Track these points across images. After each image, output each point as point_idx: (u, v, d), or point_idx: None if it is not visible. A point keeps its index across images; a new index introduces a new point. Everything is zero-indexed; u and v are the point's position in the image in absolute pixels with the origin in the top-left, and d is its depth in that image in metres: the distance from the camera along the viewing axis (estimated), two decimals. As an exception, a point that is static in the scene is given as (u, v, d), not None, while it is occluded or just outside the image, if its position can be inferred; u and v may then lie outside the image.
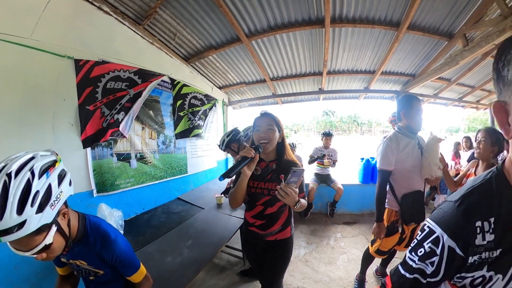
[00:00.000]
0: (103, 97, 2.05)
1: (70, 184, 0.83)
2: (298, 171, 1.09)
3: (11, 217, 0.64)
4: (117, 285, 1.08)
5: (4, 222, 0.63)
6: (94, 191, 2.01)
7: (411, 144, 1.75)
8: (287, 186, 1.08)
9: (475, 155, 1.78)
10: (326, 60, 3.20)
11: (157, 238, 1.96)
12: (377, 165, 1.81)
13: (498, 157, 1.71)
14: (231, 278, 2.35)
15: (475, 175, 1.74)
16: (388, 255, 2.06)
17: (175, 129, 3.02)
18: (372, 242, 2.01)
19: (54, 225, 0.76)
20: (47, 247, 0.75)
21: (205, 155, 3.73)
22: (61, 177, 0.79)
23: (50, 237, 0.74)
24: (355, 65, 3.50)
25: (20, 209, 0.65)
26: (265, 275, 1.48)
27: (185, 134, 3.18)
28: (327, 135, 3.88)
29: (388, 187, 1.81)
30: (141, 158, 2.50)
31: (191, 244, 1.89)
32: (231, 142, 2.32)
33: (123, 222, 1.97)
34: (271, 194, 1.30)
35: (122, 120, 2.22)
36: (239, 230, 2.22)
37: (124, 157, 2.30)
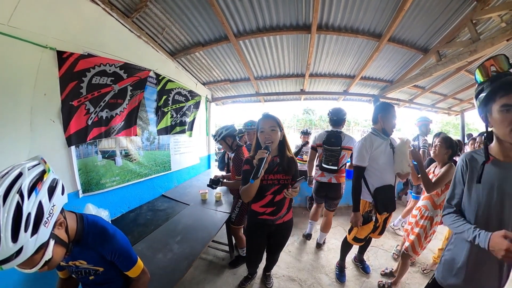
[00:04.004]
0: (88, 93, 1.96)
1: (62, 192, 0.80)
2: (301, 180, 1.47)
3: (7, 247, 0.61)
4: (116, 285, 1.09)
5: (2, 252, 0.61)
6: (80, 192, 1.93)
7: (384, 144, 2.00)
8: (293, 190, 1.46)
9: (432, 155, 2.13)
10: (309, 64, 3.37)
11: (145, 236, 1.97)
12: (353, 162, 2.05)
13: (454, 158, 2.05)
14: (220, 271, 2.44)
15: (434, 173, 2.06)
16: (364, 243, 2.30)
17: (157, 125, 2.97)
18: (350, 231, 2.23)
19: (51, 239, 0.74)
20: (48, 261, 0.74)
21: (188, 152, 3.71)
22: (51, 190, 0.74)
23: (49, 253, 0.74)
24: (336, 69, 3.73)
25: (15, 237, 0.62)
26: (273, 252, 1.95)
27: (166, 130, 3.14)
28: (305, 134, 4.17)
29: (362, 181, 2.04)
30: (126, 156, 2.45)
31: (180, 239, 1.94)
32: (228, 136, 2.41)
33: (110, 222, 1.96)
34: (280, 183, 1.58)
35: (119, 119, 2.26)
36: (225, 225, 2.34)
37: (109, 155, 2.23)
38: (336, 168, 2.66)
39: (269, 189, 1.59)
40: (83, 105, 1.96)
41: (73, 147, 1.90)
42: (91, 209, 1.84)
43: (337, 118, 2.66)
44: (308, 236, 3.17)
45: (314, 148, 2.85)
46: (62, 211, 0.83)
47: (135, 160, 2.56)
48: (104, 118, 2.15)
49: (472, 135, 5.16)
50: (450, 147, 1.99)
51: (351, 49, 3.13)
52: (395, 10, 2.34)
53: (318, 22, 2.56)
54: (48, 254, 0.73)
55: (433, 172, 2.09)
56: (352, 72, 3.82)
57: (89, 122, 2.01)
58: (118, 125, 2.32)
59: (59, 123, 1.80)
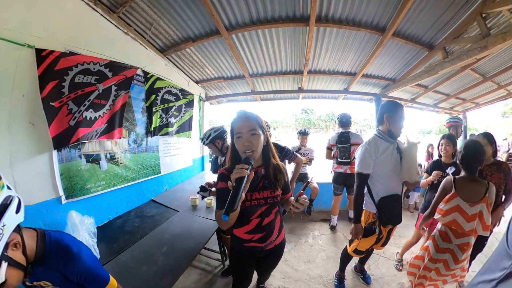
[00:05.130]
0: (70, 92, 1.96)
1: (17, 210, 0.79)
2: (309, 184, 1.22)
3: None
4: None
5: None
6: (63, 198, 1.94)
7: (390, 148, 1.88)
8: (304, 199, 1.13)
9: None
10: (308, 59, 3.35)
11: (131, 245, 1.97)
12: (356, 169, 1.94)
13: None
14: (212, 280, 2.46)
15: None
16: (365, 254, 2.25)
17: (150, 126, 2.98)
18: (350, 242, 2.16)
19: (3, 262, 0.73)
20: (2, 284, 0.73)
21: (179, 154, 3.71)
22: (3, 208, 0.73)
23: (2, 276, 0.72)
24: (336, 66, 3.71)
25: None
26: (263, 275, 1.79)
27: (156, 131, 3.14)
28: (303, 134, 4.01)
29: (365, 189, 1.94)
30: (112, 159, 2.45)
31: (166, 250, 1.90)
32: (217, 138, 2.39)
33: (95, 229, 1.94)
34: (268, 202, 1.30)
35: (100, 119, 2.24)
36: (215, 233, 2.31)
37: (93, 159, 2.23)
38: (348, 160, 3.44)
39: (254, 212, 1.30)
40: (65, 105, 1.95)
41: (54, 152, 1.90)
42: (74, 217, 1.85)
43: (345, 120, 3.54)
44: (332, 228, 3.69)
45: (329, 148, 3.73)
46: (19, 230, 0.83)
47: (121, 163, 2.57)
48: (88, 118, 2.15)
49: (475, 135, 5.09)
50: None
51: (352, 44, 3.08)
52: (400, 1, 2.25)
53: (317, 13, 2.49)
54: (1, 278, 0.72)
55: None
56: (353, 69, 3.80)
57: (72, 123, 2.01)
58: (102, 127, 2.31)
59: (39, 126, 1.80)
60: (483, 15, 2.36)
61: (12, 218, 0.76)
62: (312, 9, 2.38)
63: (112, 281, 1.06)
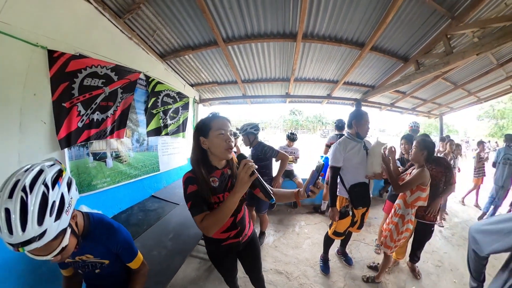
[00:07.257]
0: (79, 94, 1.93)
1: (76, 189, 0.91)
2: (318, 168, 1.04)
3: (32, 229, 0.69)
4: (118, 279, 1.19)
5: (27, 234, 0.69)
6: (73, 193, 1.91)
7: (358, 146, 2.19)
8: (318, 186, 1.04)
9: (410, 158, 2.18)
10: (295, 69, 3.51)
11: (139, 235, 2.02)
12: (329, 162, 2.24)
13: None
14: (211, 267, 2.50)
15: (410, 174, 2.11)
16: (345, 236, 2.50)
17: (151, 127, 2.97)
18: (330, 226, 2.44)
19: (68, 228, 0.84)
20: (63, 249, 0.82)
21: (176, 153, 3.70)
22: (69, 185, 0.85)
23: (66, 240, 0.82)
24: (320, 75, 3.89)
25: (40, 220, 0.71)
26: (252, 269, 1.64)
27: (157, 132, 3.14)
28: (291, 140, 4.24)
29: (339, 179, 2.24)
30: (117, 157, 2.43)
31: (173, 236, 2.01)
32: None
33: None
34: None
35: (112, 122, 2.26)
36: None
37: (100, 157, 2.21)
38: None
39: None
40: (75, 107, 1.93)
41: (65, 150, 1.87)
42: (84, 210, 1.83)
43: (341, 125, 4.00)
44: (322, 212, 4.12)
45: (328, 146, 3.95)
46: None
47: (125, 161, 2.54)
48: (95, 120, 2.12)
49: (449, 137, 5.01)
50: (425, 148, 1.98)
51: (334, 57, 3.26)
52: (377, 22, 2.47)
53: (304, 31, 2.65)
54: (65, 241, 0.82)
55: (410, 173, 2.16)
56: (336, 78, 3.99)
57: (80, 125, 1.98)
58: (109, 128, 2.29)
59: (50, 125, 1.76)
60: (448, 36, 2.65)
61: (75, 194, 0.89)
62: (299, 28, 2.53)
63: (140, 253, 1.19)
